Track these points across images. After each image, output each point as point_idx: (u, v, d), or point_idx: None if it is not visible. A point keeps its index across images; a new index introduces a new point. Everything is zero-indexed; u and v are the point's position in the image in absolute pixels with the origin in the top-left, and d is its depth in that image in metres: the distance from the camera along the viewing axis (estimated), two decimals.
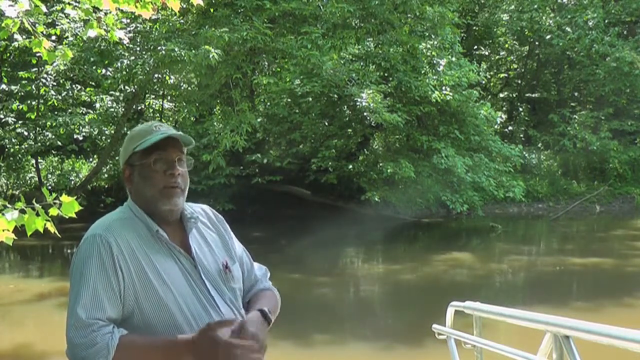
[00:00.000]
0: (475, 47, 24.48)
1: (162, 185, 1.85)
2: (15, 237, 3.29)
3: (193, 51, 13.18)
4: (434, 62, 16.68)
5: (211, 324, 1.73)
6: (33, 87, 16.47)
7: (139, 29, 14.67)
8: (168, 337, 1.74)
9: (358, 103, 14.91)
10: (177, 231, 1.90)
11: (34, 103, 16.78)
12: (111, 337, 1.68)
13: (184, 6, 13.04)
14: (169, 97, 19.45)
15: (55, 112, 16.79)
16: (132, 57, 14.72)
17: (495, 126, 19.32)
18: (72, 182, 19.56)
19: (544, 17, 22.21)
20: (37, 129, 17.10)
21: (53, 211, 3.15)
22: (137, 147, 1.86)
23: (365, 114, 15.64)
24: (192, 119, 18.39)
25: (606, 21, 21.61)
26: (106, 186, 18.80)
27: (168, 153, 1.87)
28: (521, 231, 17.60)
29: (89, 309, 1.70)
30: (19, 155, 18.06)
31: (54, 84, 16.78)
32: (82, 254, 1.78)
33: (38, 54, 4.70)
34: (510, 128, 23.80)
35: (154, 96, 19.49)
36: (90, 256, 1.76)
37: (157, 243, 1.83)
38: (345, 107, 18.04)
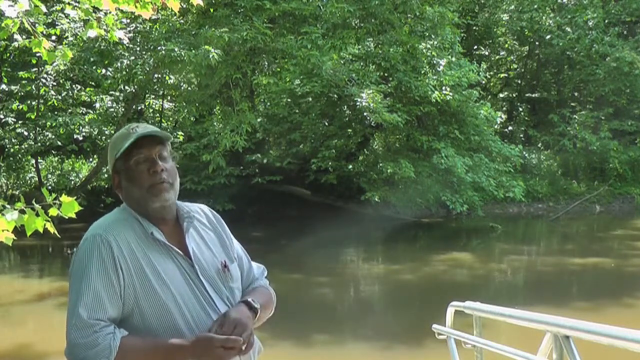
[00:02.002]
0: (475, 47, 24.45)
1: (149, 185, 1.86)
2: (15, 237, 3.28)
3: (193, 51, 13.18)
4: (434, 62, 16.66)
5: (215, 339, 1.72)
6: (33, 87, 16.46)
7: (139, 29, 14.66)
8: (169, 340, 1.74)
9: (358, 103, 14.89)
10: (175, 231, 1.90)
11: (34, 103, 16.77)
12: (113, 338, 1.68)
13: (184, 6, 13.05)
14: (169, 97, 19.44)
15: (55, 112, 16.78)
16: (132, 57, 14.71)
17: (495, 126, 19.29)
18: (72, 182, 19.57)
19: (544, 17, 22.18)
20: (37, 129, 17.09)
21: (53, 211, 3.15)
22: (118, 154, 1.88)
23: (365, 114, 15.63)
24: (192, 119, 18.38)
25: (606, 21, 21.60)
26: (106, 186, 18.77)
27: (147, 151, 1.87)
28: (521, 231, 17.60)
29: (90, 308, 1.70)
30: (19, 155, 18.05)
31: (54, 84, 16.76)
32: (83, 253, 1.78)
33: (38, 54, 4.70)
34: (510, 128, 23.78)
35: (154, 96, 19.48)
36: (91, 256, 1.76)
37: (155, 243, 1.84)
38: (345, 107, 18.03)
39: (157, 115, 19.59)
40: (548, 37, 21.83)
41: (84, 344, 1.68)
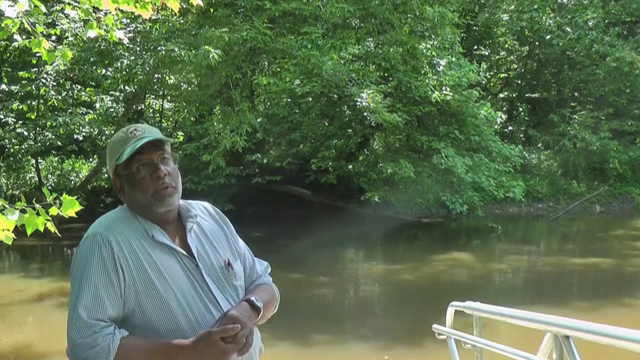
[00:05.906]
0: (475, 47, 24.44)
1: (153, 190, 1.85)
2: (15, 237, 3.29)
3: (193, 51, 13.18)
4: (434, 62, 16.65)
5: (213, 332, 1.72)
6: (33, 87, 16.44)
7: (139, 29, 14.66)
8: (169, 340, 1.74)
9: (358, 103, 14.89)
10: (177, 230, 1.90)
11: (34, 103, 16.76)
12: (112, 338, 1.68)
13: (184, 6, 13.02)
14: (169, 97, 19.44)
15: (55, 112, 16.76)
16: (132, 57, 14.71)
17: (495, 126, 19.28)
18: (72, 182, 19.58)
19: (544, 17, 22.17)
20: (37, 129, 17.08)
21: (53, 210, 3.15)
22: (119, 160, 1.85)
23: (365, 114, 15.62)
24: (192, 119, 18.38)
25: (606, 21, 21.59)
26: (106, 186, 18.79)
27: (149, 156, 1.85)
28: (521, 231, 17.60)
29: (90, 309, 1.71)
30: (19, 155, 18.04)
31: (54, 84, 16.74)
32: (83, 253, 1.78)
33: (38, 54, 4.69)
34: (510, 128, 23.76)
35: (154, 96, 19.47)
36: (91, 255, 1.76)
37: (157, 243, 1.84)
38: (345, 107, 18.02)
39: (157, 115, 19.58)
40: (548, 37, 21.82)
41: (84, 344, 1.68)
